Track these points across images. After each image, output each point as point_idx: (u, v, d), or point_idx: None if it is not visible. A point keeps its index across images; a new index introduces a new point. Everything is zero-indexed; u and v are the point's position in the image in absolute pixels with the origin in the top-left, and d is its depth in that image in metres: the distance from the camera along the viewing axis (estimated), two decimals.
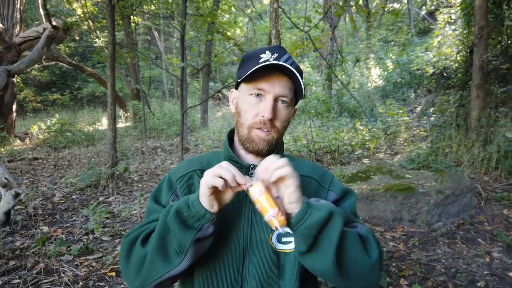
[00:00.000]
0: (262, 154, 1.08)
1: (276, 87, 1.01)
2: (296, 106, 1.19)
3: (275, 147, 1.09)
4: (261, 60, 1.01)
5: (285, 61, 1.01)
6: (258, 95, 1.03)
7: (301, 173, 1.13)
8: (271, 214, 0.87)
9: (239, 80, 1.08)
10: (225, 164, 0.91)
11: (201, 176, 1.11)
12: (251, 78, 1.02)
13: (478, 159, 5.00)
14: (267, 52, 1.03)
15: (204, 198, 0.90)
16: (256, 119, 1.04)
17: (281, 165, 0.88)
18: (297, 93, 1.08)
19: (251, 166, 1.09)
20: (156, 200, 1.12)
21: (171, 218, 0.93)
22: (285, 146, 1.19)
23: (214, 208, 0.92)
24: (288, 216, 0.92)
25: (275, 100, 1.03)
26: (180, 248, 0.93)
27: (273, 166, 0.88)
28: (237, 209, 1.07)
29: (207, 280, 1.04)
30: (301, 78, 1.06)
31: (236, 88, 1.14)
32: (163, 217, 0.97)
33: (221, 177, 0.88)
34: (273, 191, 0.92)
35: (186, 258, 0.94)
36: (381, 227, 3.81)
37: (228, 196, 0.94)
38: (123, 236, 3.71)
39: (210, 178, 0.89)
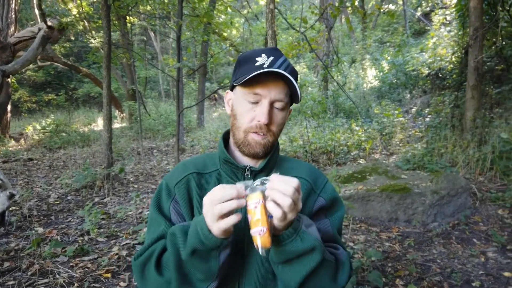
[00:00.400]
0: (258, 157, 1.09)
1: (272, 92, 1.01)
2: (292, 107, 1.18)
3: (271, 150, 1.10)
4: (257, 64, 1.00)
5: (280, 65, 1.01)
6: (254, 99, 1.02)
7: (298, 174, 1.12)
8: (258, 231, 0.83)
9: (235, 84, 1.07)
10: (218, 192, 0.84)
11: (197, 178, 1.11)
12: (248, 82, 1.01)
13: (473, 160, 5.03)
14: (263, 55, 1.03)
15: (221, 235, 0.86)
16: (252, 124, 1.04)
17: (288, 194, 0.82)
18: (292, 96, 1.08)
19: (247, 167, 1.09)
20: (158, 208, 1.11)
21: (188, 258, 0.91)
22: (281, 146, 1.19)
23: (229, 232, 0.89)
24: (272, 233, 0.91)
25: (271, 104, 1.02)
26: (208, 277, 0.93)
27: (282, 189, 0.82)
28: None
29: None
30: (296, 82, 1.06)
31: (231, 90, 1.13)
32: (173, 251, 0.94)
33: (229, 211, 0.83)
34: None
35: (216, 282, 0.95)
36: (376, 228, 3.82)
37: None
38: (118, 236, 3.70)
39: (222, 221, 0.83)
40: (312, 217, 1.11)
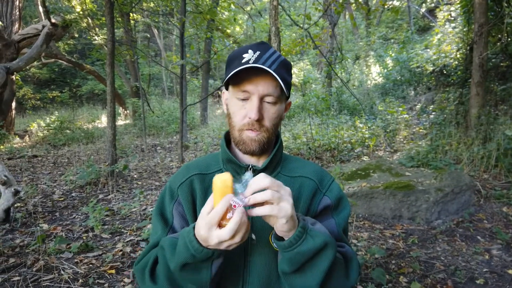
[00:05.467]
0: (255, 154, 1.08)
1: (259, 87, 0.99)
2: (292, 100, 1.17)
3: (268, 146, 1.08)
4: (243, 61, 0.99)
5: (267, 59, 0.99)
6: (243, 96, 1.01)
7: (303, 173, 1.13)
8: None
9: (224, 83, 1.07)
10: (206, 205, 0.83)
11: (201, 180, 1.11)
12: (236, 80, 1.01)
13: (477, 157, 5.01)
14: (250, 50, 1.01)
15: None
16: (244, 121, 1.03)
17: (266, 186, 0.82)
18: (285, 87, 1.04)
19: (250, 166, 1.09)
20: (161, 213, 1.12)
21: (178, 272, 0.90)
22: (284, 144, 1.17)
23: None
24: (279, 238, 0.90)
25: (261, 99, 1.01)
26: (201, 286, 0.93)
27: (253, 191, 0.82)
28: None
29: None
30: (289, 75, 1.04)
31: (227, 88, 1.12)
32: (163, 263, 0.95)
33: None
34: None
35: None
36: (380, 225, 3.82)
37: None
38: (122, 233, 3.72)
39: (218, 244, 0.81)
40: (317, 217, 1.10)
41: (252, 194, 0.81)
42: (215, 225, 0.80)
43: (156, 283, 0.98)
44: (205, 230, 0.81)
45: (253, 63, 0.97)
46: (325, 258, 0.90)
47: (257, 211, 0.81)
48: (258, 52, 1.00)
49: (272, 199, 0.80)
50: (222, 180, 0.81)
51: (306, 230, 0.88)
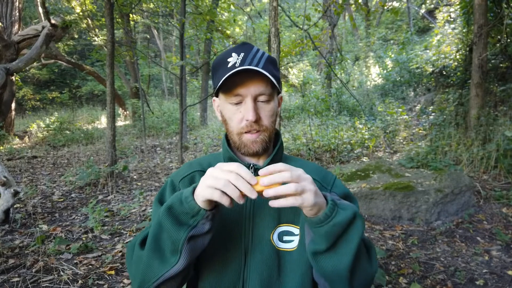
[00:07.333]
0: (259, 155, 1.09)
1: (251, 89, 0.99)
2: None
3: (271, 145, 1.09)
4: (229, 66, 0.99)
5: (253, 58, 1.00)
6: (236, 100, 1.02)
7: None
8: None
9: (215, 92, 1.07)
10: (236, 166, 0.83)
11: (202, 176, 1.12)
12: (226, 86, 1.00)
13: (477, 158, 5.01)
14: (233, 54, 1.01)
15: (201, 200, 0.84)
16: (242, 124, 1.03)
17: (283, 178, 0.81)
18: (277, 83, 1.05)
19: (251, 165, 1.09)
20: (160, 202, 1.11)
21: (164, 215, 0.89)
22: (284, 144, 1.18)
23: (211, 206, 0.87)
24: (309, 214, 0.89)
25: (255, 100, 1.01)
26: (174, 247, 0.89)
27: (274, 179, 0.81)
28: (238, 206, 1.07)
29: (210, 280, 1.04)
30: (275, 68, 1.04)
31: (217, 96, 1.12)
32: (156, 216, 0.94)
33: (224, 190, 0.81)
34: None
35: (182, 257, 0.89)
36: (380, 226, 3.82)
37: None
38: (122, 234, 3.72)
39: (210, 192, 0.82)
40: None
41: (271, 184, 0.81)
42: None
43: (142, 248, 0.97)
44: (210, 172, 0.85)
45: (239, 66, 0.97)
46: (356, 229, 0.90)
47: (281, 203, 0.81)
48: (242, 54, 1.00)
49: (295, 192, 0.80)
50: None
51: (336, 204, 0.89)
